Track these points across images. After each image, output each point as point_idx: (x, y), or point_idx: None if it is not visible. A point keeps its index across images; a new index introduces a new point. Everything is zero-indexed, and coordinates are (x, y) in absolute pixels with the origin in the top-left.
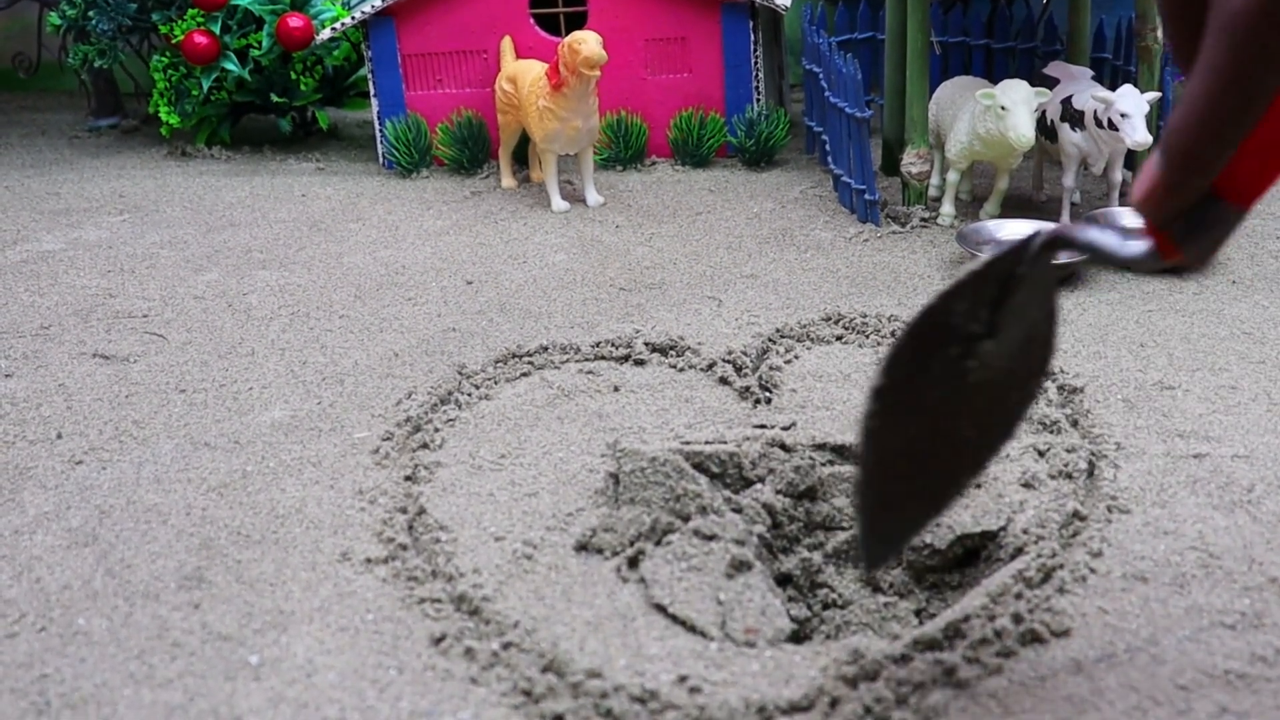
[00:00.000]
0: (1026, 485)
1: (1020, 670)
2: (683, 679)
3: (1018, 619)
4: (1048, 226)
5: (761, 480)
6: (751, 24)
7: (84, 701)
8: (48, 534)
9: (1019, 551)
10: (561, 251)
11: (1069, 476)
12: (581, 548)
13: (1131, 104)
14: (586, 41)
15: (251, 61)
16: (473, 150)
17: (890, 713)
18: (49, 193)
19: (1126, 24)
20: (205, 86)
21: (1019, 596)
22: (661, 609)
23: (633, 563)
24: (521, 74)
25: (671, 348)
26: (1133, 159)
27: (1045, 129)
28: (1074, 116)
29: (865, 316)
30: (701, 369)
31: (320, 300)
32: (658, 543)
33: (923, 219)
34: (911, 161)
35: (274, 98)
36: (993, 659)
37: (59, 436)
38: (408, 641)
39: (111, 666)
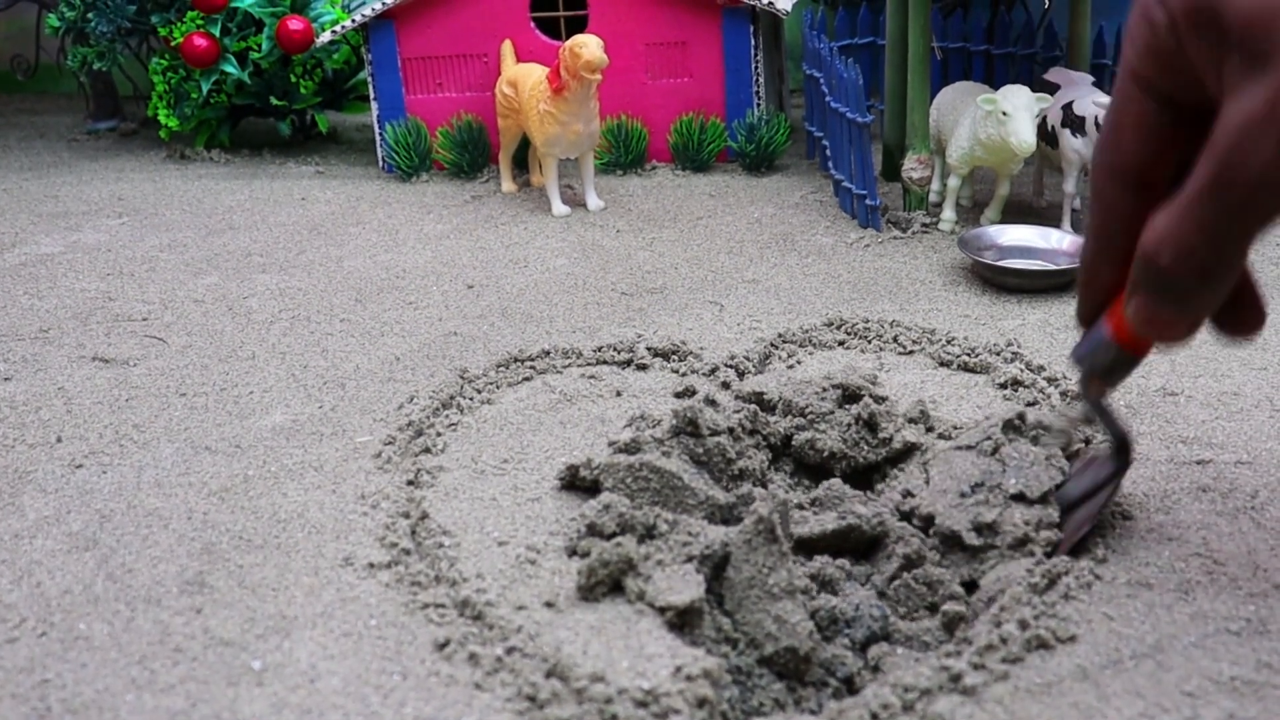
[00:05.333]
0: None
1: (1026, 677)
2: (688, 681)
3: (1023, 625)
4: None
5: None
6: (752, 28)
7: (85, 707)
8: (48, 538)
9: (1023, 542)
10: (562, 256)
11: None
12: (585, 553)
13: None
14: (588, 45)
15: (251, 64)
16: (473, 154)
17: (897, 718)
18: (47, 195)
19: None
20: (205, 89)
21: (1024, 603)
22: (663, 610)
23: (632, 566)
24: (522, 78)
25: (673, 352)
26: None
27: (1046, 135)
28: (1075, 122)
29: (868, 322)
30: (704, 374)
31: (321, 304)
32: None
33: (924, 224)
34: (912, 167)
35: (273, 101)
36: (999, 665)
37: (59, 440)
38: (411, 647)
39: (113, 672)
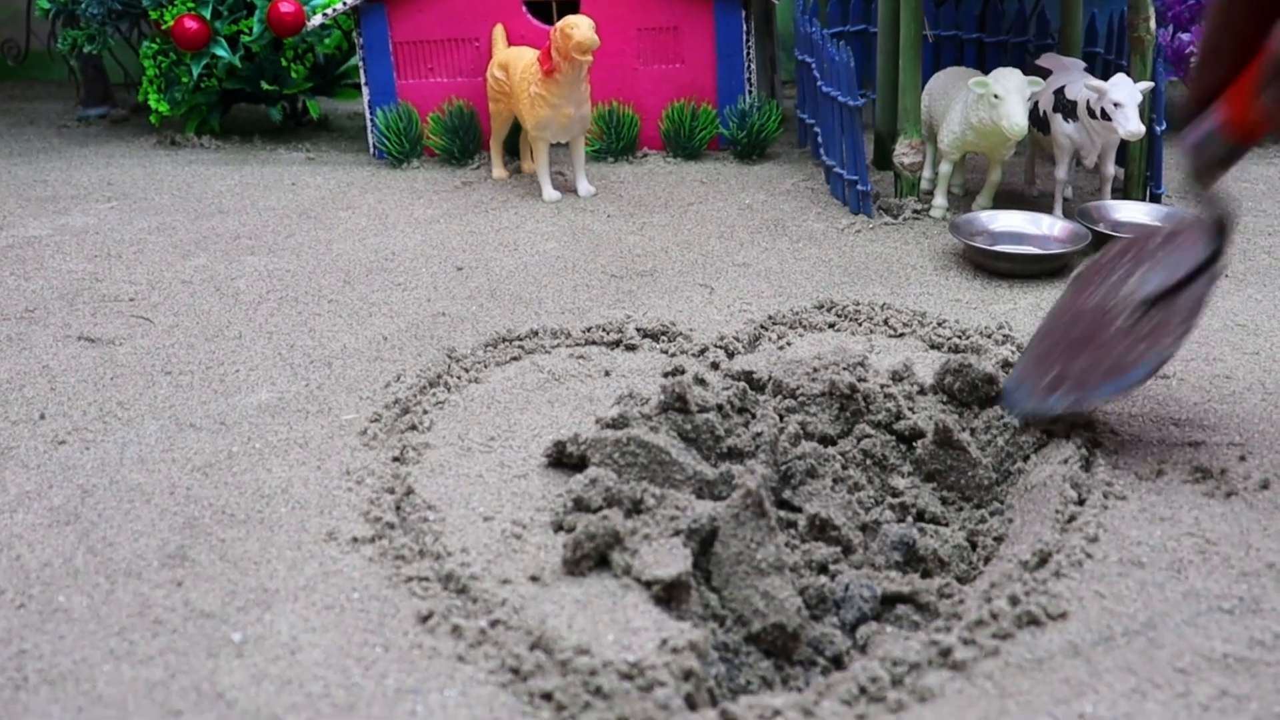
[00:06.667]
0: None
1: (1017, 653)
2: (673, 653)
3: (1014, 601)
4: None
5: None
6: (744, 14)
7: (62, 678)
8: (29, 512)
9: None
10: (553, 239)
11: (1064, 462)
12: (572, 528)
13: (1125, 93)
14: (579, 26)
15: (242, 48)
16: (464, 140)
17: (885, 693)
18: (36, 180)
19: (1118, 18)
20: (195, 73)
21: (1015, 579)
22: (649, 584)
23: (619, 540)
24: (513, 61)
25: (663, 333)
26: (1124, 152)
27: (1038, 121)
28: (1066, 107)
29: (858, 304)
30: (693, 354)
31: (309, 285)
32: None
33: (915, 211)
34: (904, 152)
35: (264, 85)
36: (989, 641)
37: (42, 417)
38: (394, 620)
39: (91, 643)
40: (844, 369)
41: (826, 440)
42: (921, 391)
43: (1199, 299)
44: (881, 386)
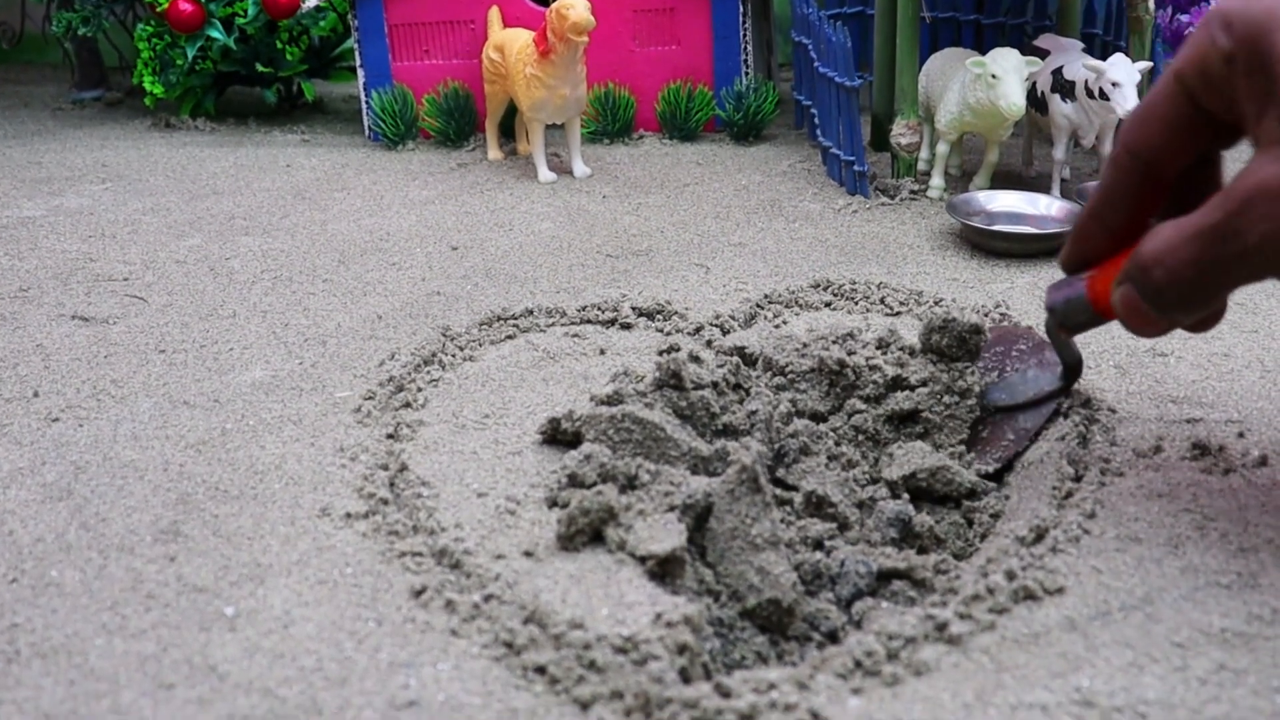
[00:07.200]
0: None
1: (1013, 627)
2: (668, 627)
3: (1010, 576)
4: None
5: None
6: None
7: (54, 651)
8: (22, 489)
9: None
10: (548, 220)
11: (1060, 438)
12: (566, 504)
13: (1123, 73)
14: (574, 7)
15: (237, 30)
16: (459, 122)
17: (881, 667)
18: (30, 162)
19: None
20: (190, 55)
21: (1012, 554)
22: (644, 559)
23: (613, 515)
24: (509, 42)
25: (658, 312)
26: None
27: (1035, 101)
28: (1064, 87)
29: (854, 284)
30: (689, 333)
31: (303, 265)
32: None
33: (912, 191)
34: (901, 132)
35: (259, 68)
36: (985, 616)
37: (35, 395)
38: (387, 594)
39: (84, 617)
40: (832, 342)
41: (818, 417)
42: (911, 354)
43: (1028, 431)
44: (867, 359)
